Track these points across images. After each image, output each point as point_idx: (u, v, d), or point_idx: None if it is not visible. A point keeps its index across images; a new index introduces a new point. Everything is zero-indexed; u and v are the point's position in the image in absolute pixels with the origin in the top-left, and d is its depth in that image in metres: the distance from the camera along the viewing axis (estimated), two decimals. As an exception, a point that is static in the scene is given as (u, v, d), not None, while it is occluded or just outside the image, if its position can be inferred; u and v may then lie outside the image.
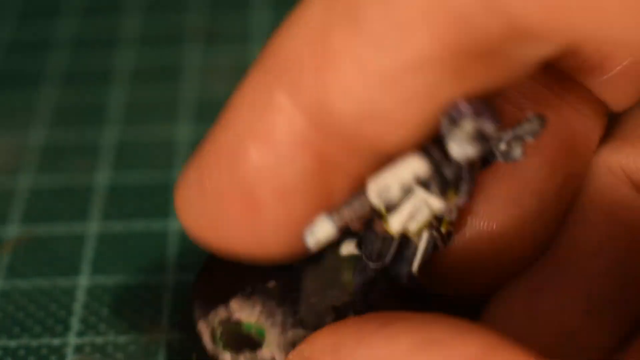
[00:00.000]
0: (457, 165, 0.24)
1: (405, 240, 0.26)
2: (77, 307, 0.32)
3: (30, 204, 0.37)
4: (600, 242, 0.27)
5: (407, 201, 0.25)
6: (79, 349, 0.31)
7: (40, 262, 0.34)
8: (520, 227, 0.27)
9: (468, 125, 0.23)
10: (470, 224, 0.27)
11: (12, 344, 0.31)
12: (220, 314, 0.28)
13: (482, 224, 0.27)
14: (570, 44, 0.22)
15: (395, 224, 0.25)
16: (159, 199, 0.37)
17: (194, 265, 0.34)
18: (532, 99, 0.27)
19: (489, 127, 0.23)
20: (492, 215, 0.27)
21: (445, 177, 0.24)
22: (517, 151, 0.25)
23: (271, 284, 0.29)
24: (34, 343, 0.31)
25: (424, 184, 0.24)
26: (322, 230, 0.25)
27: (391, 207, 0.25)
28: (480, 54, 0.22)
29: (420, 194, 0.24)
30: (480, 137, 0.23)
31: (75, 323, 0.32)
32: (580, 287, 0.27)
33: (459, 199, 0.25)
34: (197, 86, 0.43)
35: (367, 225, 0.26)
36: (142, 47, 0.46)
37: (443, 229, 0.26)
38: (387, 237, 0.26)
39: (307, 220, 0.25)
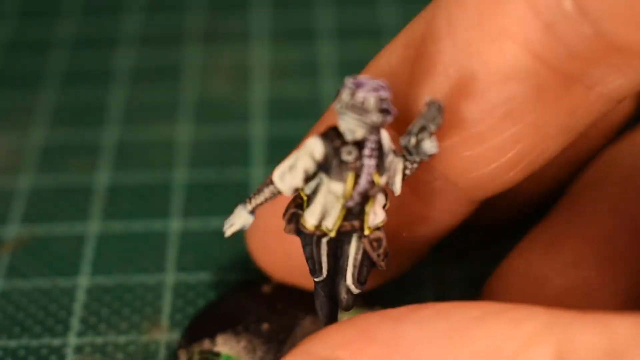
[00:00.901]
0: (356, 147, 0.24)
1: (335, 251, 0.26)
2: (77, 307, 0.32)
3: (30, 204, 0.37)
4: (616, 202, 0.28)
5: (318, 193, 0.25)
6: (79, 349, 0.31)
7: (40, 262, 0.34)
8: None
9: (358, 98, 0.23)
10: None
11: (12, 344, 0.31)
12: (204, 345, 0.29)
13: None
14: None
15: (309, 218, 0.25)
16: (159, 199, 0.37)
17: (194, 265, 0.34)
18: None
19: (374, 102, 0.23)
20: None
21: (343, 160, 0.24)
22: (427, 144, 0.24)
23: (265, 325, 0.29)
24: (34, 343, 0.31)
25: (325, 167, 0.24)
26: (238, 219, 0.25)
27: (310, 200, 0.25)
28: (566, 74, 0.22)
29: (325, 181, 0.24)
30: (366, 112, 0.23)
31: (75, 323, 0.32)
32: (594, 243, 0.27)
33: (359, 187, 0.24)
34: (197, 86, 0.43)
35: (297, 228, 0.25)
36: (142, 47, 0.46)
37: (367, 232, 0.25)
38: (311, 238, 0.25)
39: None
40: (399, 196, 0.25)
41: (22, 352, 0.31)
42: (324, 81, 0.43)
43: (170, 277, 0.33)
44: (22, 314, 0.32)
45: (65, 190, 0.38)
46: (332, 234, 0.25)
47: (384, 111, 0.23)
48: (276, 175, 0.25)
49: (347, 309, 0.26)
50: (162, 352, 0.31)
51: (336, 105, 0.24)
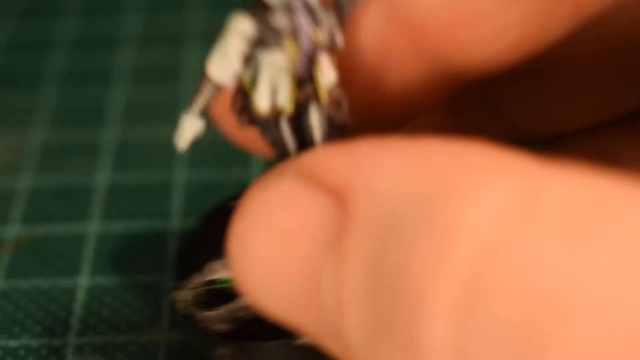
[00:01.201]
0: (284, 12, 0.23)
1: (298, 128, 0.24)
2: (77, 307, 0.32)
3: (30, 204, 0.37)
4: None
5: (261, 71, 0.23)
6: (79, 349, 0.31)
7: (40, 262, 0.34)
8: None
9: None
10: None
11: (12, 344, 0.31)
12: (196, 280, 0.28)
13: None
14: None
15: (260, 100, 0.23)
16: (159, 199, 0.37)
17: (194, 265, 0.34)
18: None
19: None
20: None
21: (275, 27, 0.23)
22: (338, 37, 0.23)
23: None
24: (34, 343, 0.31)
25: (260, 42, 0.23)
26: (187, 128, 0.24)
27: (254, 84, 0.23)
28: None
29: (264, 56, 0.23)
30: None
31: (75, 323, 0.32)
32: (585, 76, 0.27)
33: (301, 49, 0.23)
34: (197, 86, 0.43)
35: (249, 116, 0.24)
36: (142, 47, 0.46)
37: (325, 96, 0.23)
38: (269, 123, 0.24)
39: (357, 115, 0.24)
40: (368, 62, 0.24)
41: (22, 352, 0.31)
42: (324, 81, 0.43)
43: (170, 277, 0.33)
44: (22, 314, 0.32)
45: (65, 190, 0.38)
46: (289, 110, 0.23)
47: None
48: (211, 68, 0.23)
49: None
50: (162, 352, 0.31)
51: None
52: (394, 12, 0.23)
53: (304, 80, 0.23)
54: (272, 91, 0.23)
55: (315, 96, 0.23)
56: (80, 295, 0.33)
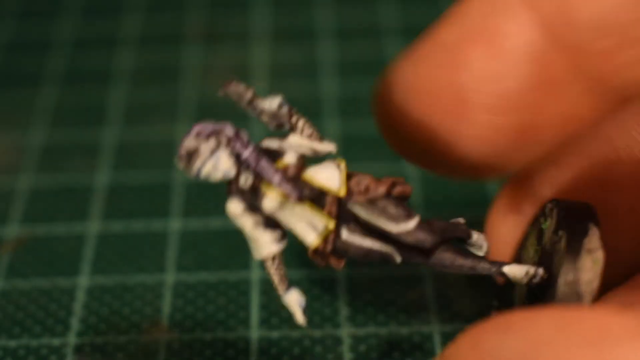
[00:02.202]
0: (245, 172, 0.25)
1: (360, 225, 0.26)
2: (77, 307, 0.32)
3: (30, 204, 0.37)
4: None
5: (287, 226, 0.25)
6: (79, 349, 0.31)
7: (40, 262, 0.34)
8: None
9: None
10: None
11: (12, 344, 0.31)
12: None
13: None
14: None
15: (311, 239, 0.25)
16: (159, 199, 0.37)
17: (194, 265, 0.34)
18: None
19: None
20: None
21: (246, 188, 0.25)
22: (266, 103, 0.25)
23: None
24: (34, 343, 0.31)
25: (255, 208, 0.25)
26: (293, 304, 0.26)
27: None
28: None
29: (274, 213, 0.25)
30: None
31: (75, 323, 0.32)
32: None
33: (275, 182, 0.25)
34: (197, 86, 0.43)
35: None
36: (142, 47, 0.46)
37: (343, 193, 0.25)
38: (340, 246, 0.26)
39: (509, 138, 0.24)
40: (524, 93, 0.24)
41: (22, 352, 0.31)
42: (323, 81, 0.43)
43: (170, 277, 0.33)
44: (22, 314, 0.32)
45: (65, 190, 0.38)
46: (331, 226, 0.25)
47: (209, 135, 0.24)
48: (256, 256, 0.25)
49: (433, 241, 0.25)
50: (162, 352, 0.31)
51: (199, 176, 0.25)
52: (554, 36, 0.23)
53: (318, 196, 0.25)
54: (309, 224, 0.25)
55: (338, 198, 0.25)
56: (80, 295, 0.33)
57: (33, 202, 0.37)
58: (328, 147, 0.26)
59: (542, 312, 0.20)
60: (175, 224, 0.36)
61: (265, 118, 0.26)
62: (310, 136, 0.26)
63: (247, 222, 0.25)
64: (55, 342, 0.31)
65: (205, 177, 0.24)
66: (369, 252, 0.25)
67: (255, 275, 0.33)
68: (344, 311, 0.32)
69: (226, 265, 0.34)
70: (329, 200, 0.25)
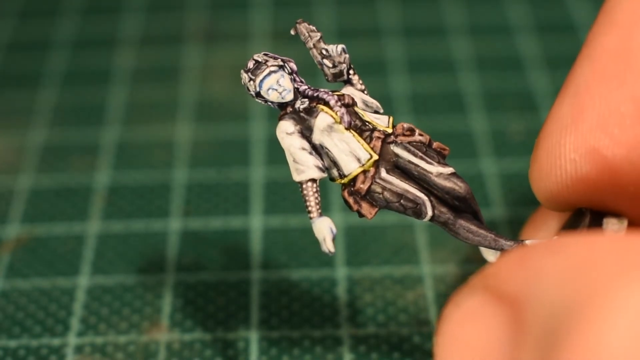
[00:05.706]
0: (300, 97, 0.26)
1: (399, 171, 0.26)
2: (77, 307, 0.32)
3: (30, 204, 0.37)
4: None
5: (329, 151, 0.26)
6: (79, 349, 0.31)
7: (40, 262, 0.34)
8: None
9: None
10: None
11: (12, 344, 0.31)
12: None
13: None
14: None
15: (351, 167, 0.26)
16: (159, 199, 0.37)
17: (194, 265, 0.34)
18: None
19: None
20: None
21: (303, 110, 0.26)
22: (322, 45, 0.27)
23: None
24: (34, 343, 0.31)
25: (306, 132, 0.26)
26: (323, 230, 0.25)
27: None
28: None
29: (318, 137, 0.26)
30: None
31: (75, 323, 0.32)
32: None
33: (334, 106, 0.26)
34: (197, 86, 0.43)
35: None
36: (142, 47, 0.46)
37: (390, 130, 0.26)
38: (376, 190, 0.26)
39: None
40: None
41: (22, 352, 0.31)
42: (324, 81, 0.43)
43: (170, 277, 0.33)
44: (22, 314, 0.32)
45: (65, 190, 0.38)
46: (375, 157, 0.25)
47: (269, 59, 0.26)
48: (296, 178, 0.26)
49: (467, 190, 0.26)
50: (162, 352, 0.31)
51: (255, 98, 0.26)
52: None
53: (365, 130, 0.26)
54: (352, 154, 0.26)
55: (384, 135, 0.26)
56: (80, 295, 0.33)
57: (33, 202, 0.37)
58: (376, 102, 0.27)
59: (595, 236, 0.21)
60: (175, 224, 0.36)
61: (328, 63, 0.27)
62: (363, 91, 0.27)
63: (295, 142, 0.25)
64: (55, 342, 0.31)
65: (266, 90, 0.26)
66: (403, 194, 0.26)
67: (255, 275, 0.33)
68: (344, 311, 0.32)
69: (226, 266, 0.34)
70: (375, 135, 0.26)
